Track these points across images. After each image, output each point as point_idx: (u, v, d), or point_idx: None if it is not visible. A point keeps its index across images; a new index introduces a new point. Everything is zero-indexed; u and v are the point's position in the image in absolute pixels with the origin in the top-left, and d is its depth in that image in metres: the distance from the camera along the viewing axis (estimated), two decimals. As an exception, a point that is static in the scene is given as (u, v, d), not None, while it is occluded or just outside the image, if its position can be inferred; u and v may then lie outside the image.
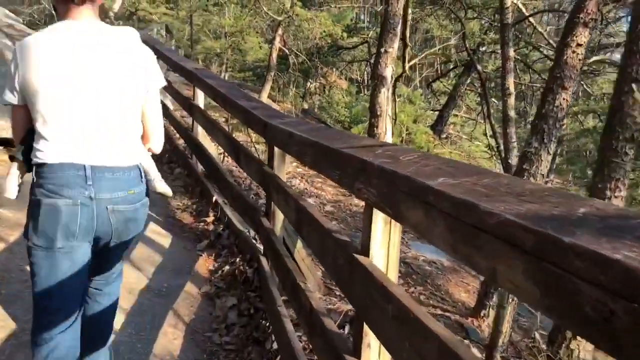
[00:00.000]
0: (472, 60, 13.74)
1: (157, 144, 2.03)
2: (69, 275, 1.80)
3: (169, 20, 23.23)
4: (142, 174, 1.90)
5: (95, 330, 2.06)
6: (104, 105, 1.76)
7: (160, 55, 7.35)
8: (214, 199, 4.53)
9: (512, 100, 11.77)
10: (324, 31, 11.96)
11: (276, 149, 3.25)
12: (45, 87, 1.70)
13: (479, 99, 18.62)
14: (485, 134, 19.00)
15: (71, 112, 1.72)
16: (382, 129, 4.95)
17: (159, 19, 22.66)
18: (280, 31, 11.29)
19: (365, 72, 26.76)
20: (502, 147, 13.80)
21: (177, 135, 6.39)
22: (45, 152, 1.73)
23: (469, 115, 20.85)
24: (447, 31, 22.56)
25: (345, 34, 13.04)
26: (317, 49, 13.46)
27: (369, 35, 16.73)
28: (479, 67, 13.62)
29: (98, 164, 1.75)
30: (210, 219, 4.27)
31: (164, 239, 3.85)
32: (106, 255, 1.96)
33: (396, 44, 4.99)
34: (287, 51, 12.56)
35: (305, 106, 17.96)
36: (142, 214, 1.91)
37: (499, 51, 16.13)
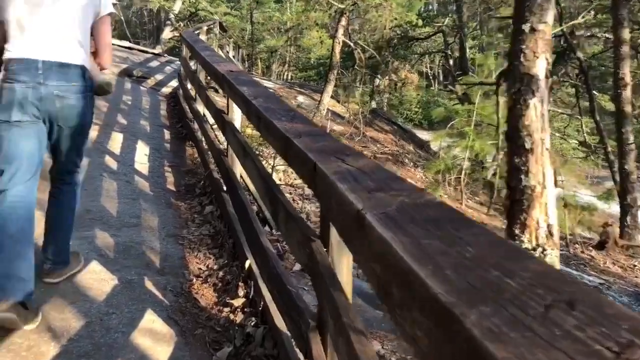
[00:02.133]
0: (570, 45, 11.61)
1: (105, 60, 2.63)
2: (25, 145, 2.35)
3: (230, 19, 22.36)
4: (87, 75, 2.48)
5: (58, 219, 2.60)
6: (58, 18, 2.39)
7: (197, 56, 6.03)
8: (246, 264, 3.09)
9: (628, 93, 9.66)
10: (395, 19, 10.26)
11: (333, 229, 1.78)
12: (14, 2, 2.34)
13: (572, 90, 16.30)
14: (578, 131, 16.73)
15: (33, 22, 2.35)
16: (536, 178, 3.03)
17: (220, 19, 21.83)
18: (343, 22, 9.74)
19: (438, 65, 24.73)
20: (610, 149, 11.62)
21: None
22: (12, 51, 2.35)
23: (555, 108, 18.52)
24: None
25: (420, 22, 11.28)
26: (386, 42, 11.77)
27: (444, 23, 14.87)
28: (580, 54, 11.50)
29: (48, 59, 2.35)
30: (240, 301, 2.82)
31: (163, 345, 2.43)
32: (58, 137, 2.48)
33: (551, 15, 3.16)
34: (352, 45, 10.98)
35: (374, 105, 16.35)
36: (83, 104, 2.47)
37: (600, 35, 13.84)
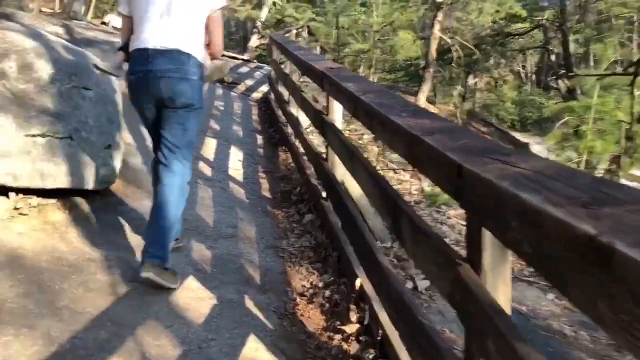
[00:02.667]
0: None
1: (216, 50, 2.85)
2: (154, 128, 2.78)
3: (315, 25, 22.30)
4: (193, 61, 2.65)
5: (159, 209, 2.62)
6: (173, 13, 2.65)
7: (290, 56, 5.77)
8: (357, 283, 2.70)
9: None
10: (497, 11, 9.45)
11: (486, 251, 1.37)
12: (138, 3, 2.70)
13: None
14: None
15: (151, 18, 2.65)
16: None
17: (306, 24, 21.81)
18: (440, 16, 9.15)
19: (536, 63, 23.25)
20: None
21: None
22: (132, 44, 2.71)
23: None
24: (628, 9, 18.85)
25: (524, 13, 10.38)
26: (489, 36, 10.95)
27: (544, 17, 13.80)
28: None
29: (158, 48, 2.60)
30: (353, 327, 2.44)
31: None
32: (164, 119, 2.70)
33: None
34: (449, 41, 10.33)
35: (467, 107, 15.53)
36: (188, 88, 2.64)
37: None
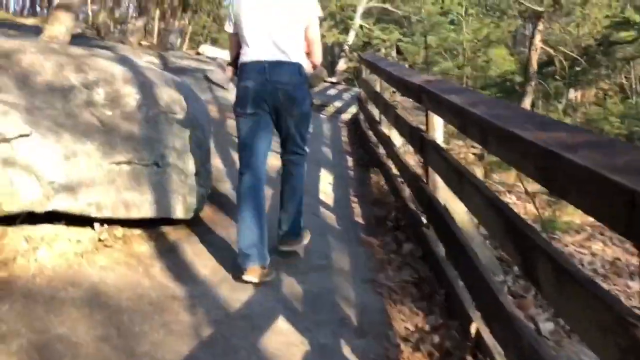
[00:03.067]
0: None
1: (316, 58, 3.04)
2: (255, 133, 2.85)
3: (403, 45, 21.97)
4: (302, 71, 2.87)
5: (290, 194, 3.03)
6: (277, 27, 2.81)
7: (381, 72, 5.46)
8: (472, 329, 2.29)
9: None
10: (607, 16, 8.60)
11: None
12: (244, 19, 2.84)
13: None
14: None
15: (258, 33, 2.82)
16: None
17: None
18: (541, 26, 8.50)
19: (636, 74, 21.34)
20: None
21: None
22: (244, 57, 2.87)
23: None
24: None
25: (637, 17, 9.45)
26: (597, 45, 10.05)
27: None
28: None
29: (272, 60, 2.79)
30: (471, 385, 2.03)
31: None
32: (284, 125, 2.91)
33: None
34: (551, 52, 9.60)
35: (569, 122, 14.43)
36: (300, 96, 2.86)
37: None
